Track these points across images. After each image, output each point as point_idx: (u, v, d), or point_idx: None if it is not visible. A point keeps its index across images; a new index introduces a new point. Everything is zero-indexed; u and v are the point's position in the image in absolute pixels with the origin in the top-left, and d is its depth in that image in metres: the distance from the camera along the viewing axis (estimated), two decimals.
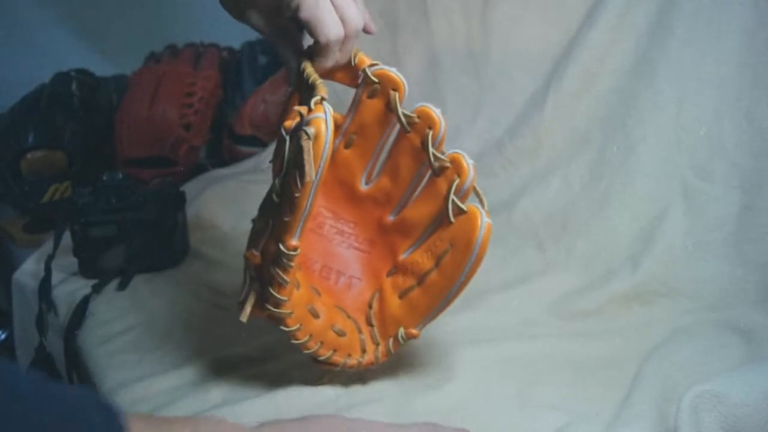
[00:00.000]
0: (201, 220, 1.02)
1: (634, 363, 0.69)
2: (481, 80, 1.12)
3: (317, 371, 0.67)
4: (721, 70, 0.90)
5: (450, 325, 0.76)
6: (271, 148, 1.00)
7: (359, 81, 0.65)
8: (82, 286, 0.90)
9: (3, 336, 1.19)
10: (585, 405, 0.64)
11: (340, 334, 0.65)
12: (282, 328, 0.63)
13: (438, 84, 1.15)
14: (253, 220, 0.64)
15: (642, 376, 0.67)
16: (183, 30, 1.41)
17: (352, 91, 0.66)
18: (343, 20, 0.61)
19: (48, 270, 0.91)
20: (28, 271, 0.98)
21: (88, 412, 0.46)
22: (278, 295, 0.60)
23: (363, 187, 0.68)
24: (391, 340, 0.65)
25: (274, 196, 0.60)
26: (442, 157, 0.62)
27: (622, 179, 0.92)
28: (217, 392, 0.68)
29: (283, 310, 0.61)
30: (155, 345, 0.78)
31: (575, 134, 1.01)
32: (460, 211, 0.61)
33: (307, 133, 0.55)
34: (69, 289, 0.91)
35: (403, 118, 0.63)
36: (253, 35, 1.10)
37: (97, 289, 0.89)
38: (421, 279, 0.64)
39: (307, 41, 0.65)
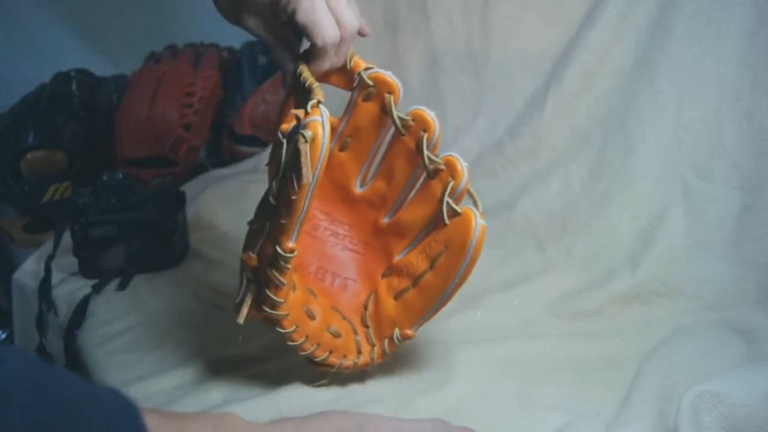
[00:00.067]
0: (201, 220, 1.02)
1: (634, 363, 0.69)
2: (481, 80, 1.12)
3: (317, 373, 0.67)
4: (721, 70, 0.90)
5: (450, 325, 0.76)
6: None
7: (354, 84, 0.65)
8: (82, 286, 0.90)
9: (3, 336, 1.19)
10: (585, 405, 0.64)
11: (336, 335, 0.65)
12: (278, 329, 0.63)
13: (438, 84, 1.15)
14: (250, 223, 0.65)
15: (642, 376, 0.67)
16: (183, 30, 1.41)
17: (347, 93, 0.67)
18: (339, 23, 0.62)
19: (48, 270, 0.91)
20: (28, 271, 0.98)
21: (108, 405, 0.46)
22: (275, 297, 0.61)
23: (358, 190, 0.69)
24: (386, 341, 0.66)
25: (271, 199, 0.60)
26: (437, 159, 0.63)
27: (622, 179, 0.92)
28: (217, 392, 0.68)
29: (280, 312, 0.62)
30: (155, 345, 0.78)
31: (575, 134, 1.01)
32: (454, 213, 0.62)
33: (304, 136, 0.55)
34: (69, 289, 0.91)
35: (398, 121, 0.64)
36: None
37: (97, 289, 0.89)
38: (416, 280, 0.64)
39: (304, 45, 0.65)
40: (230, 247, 0.95)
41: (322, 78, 0.64)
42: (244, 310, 0.63)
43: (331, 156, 0.67)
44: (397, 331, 0.65)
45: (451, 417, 0.61)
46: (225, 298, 0.83)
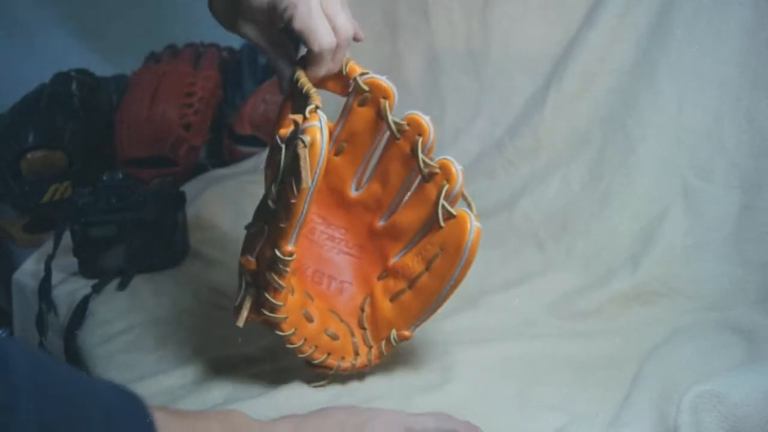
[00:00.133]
0: (201, 220, 1.02)
1: (634, 363, 0.69)
2: (481, 80, 1.12)
3: (316, 375, 0.68)
4: (721, 70, 0.90)
5: (450, 325, 0.76)
6: None
7: (350, 90, 0.66)
8: (82, 286, 0.90)
9: (3, 336, 1.19)
10: (585, 405, 0.64)
11: (334, 337, 0.66)
12: (277, 332, 0.64)
13: (438, 84, 1.15)
14: (247, 227, 0.65)
15: (642, 376, 0.67)
16: (183, 30, 1.40)
17: (342, 99, 0.67)
18: (334, 30, 0.62)
19: (48, 270, 0.91)
20: (28, 271, 0.98)
21: (108, 401, 0.46)
22: (274, 300, 0.62)
23: (353, 193, 0.70)
24: (383, 342, 0.67)
25: (270, 203, 0.60)
26: (432, 163, 0.64)
27: (622, 179, 0.93)
28: (218, 392, 0.68)
29: (279, 315, 0.63)
30: (155, 345, 0.78)
31: (575, 134, 1.01)
32: (449, 216, 0.63)
33: (303, 142, 0.56)
34: (69, 289, 0.91)
35: (393, 126, 0.65)
36: None
37: (97, 289, 0.89)
38: (412, 282, 0.65)
39: (300, 51, 0.66)
40: (230, 247, 0.95)
41: (319, 83, 0.65)
42: (244, 313, 0.64)
43: (326, 160, 0.67)
44: (394, 333, 0.66)
45: None
46: (225, 298, 0.83)
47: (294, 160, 0.56)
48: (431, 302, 0.65)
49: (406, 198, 0.67)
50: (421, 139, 0.64)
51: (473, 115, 1.12)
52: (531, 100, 1.07)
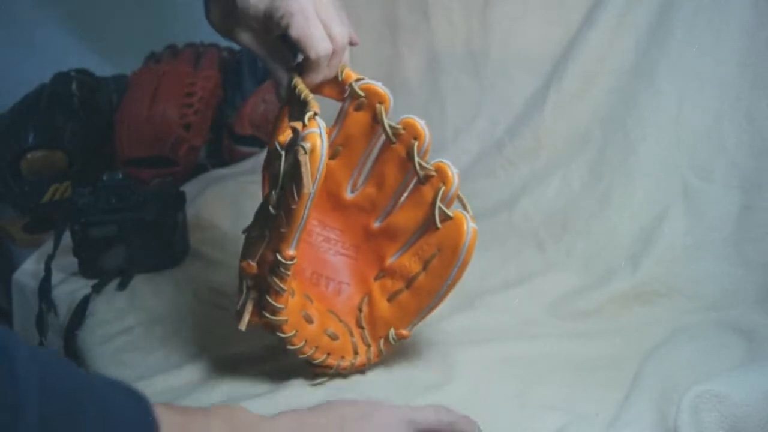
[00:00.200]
0: (201, 220, 1.02)
1: (634, 363, 0.69)
2: (481, 80, 1.12)
3: (316, 374, 0.68)
4: (721, 70, 0.90)
5: (450, 325, 0.76)
6: None
7: (345, 95, 0.67)
8: (82, 286, 0.90)
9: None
10: (585, 405, 0.64)
11: (333, 337, 0.67)
12: (278, 334, 0.65)
13: (438, 84, 1.15)
14: (245, 231, 0.66)
15: (642, 376, 0.67)
16: (183, 30, 1.40)
17: (337, 103, 0.68)
18: (330, 36, 0.63)
19: (48, 270, 0.91)
20: (28, 271, 0.98)
21: (119, 396, 0.47)
22: (275, 303, 0.63)
23: (348, 195, 0.71)
24: (382, 341, 0.68)
25: (271, 208, 0.61)
26: (428, 166, 0.65)
27: (622, 179, 0.93)
28: (218, 391, 0.68)
29: (280, 318, 0.63)
30: (155, 345, 0.78)
31: (575, 134, 1.01)
32: (446, 218, 0.64)
33: (303, 148, 0.57)
34: (69, 289, 0.91)
35: (389, 130, 0.66)
36: None
37: (97, 289, 0.89)
38: (409, 282, 0.67)
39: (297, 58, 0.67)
40: (230, 247, 0.95)
41: (315, 89, 0.66)
42: (246, 316, 0.65)
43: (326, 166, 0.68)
44: (392, 332, 0.67)
45: None
46: (225, 298, 0.83)
47: (295, 166, 0.57)
48: (429, 301, 0.66)
49: (402, 200, 0.68)
50: (417, 143, 0.65)
51: (473, 115, 1.12)
52: (531, 100, 1.07)
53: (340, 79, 0.66)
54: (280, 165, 0.59)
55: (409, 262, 0.67)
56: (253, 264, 0.63)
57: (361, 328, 0.69)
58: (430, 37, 1.16)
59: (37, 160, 1.21)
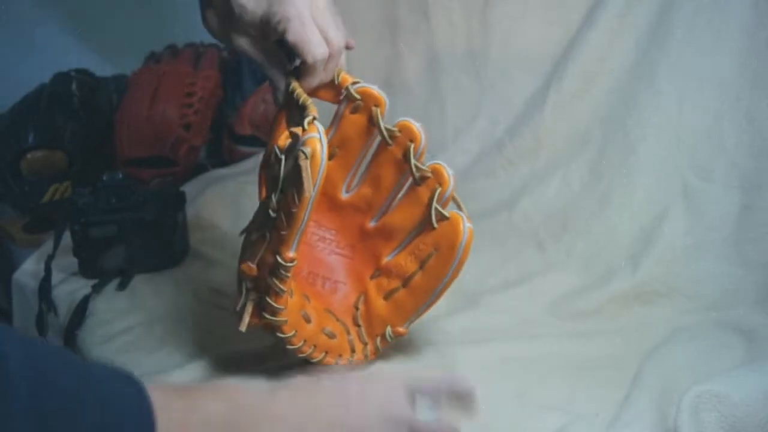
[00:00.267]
0: (201, 220, 1.02)
1: (634, 363, 0.69)
2: (481, 80, 1.12)
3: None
4: (721, 70, 0.90)
5: (450, 325, 0.76)
6: None
7: (342, 98, 0.68)
8: (82, 286, 0.90)
9: None
10: (585, 405, 0.64)
11: (331, 336, 0.68)
12: (278, 335, 0.65)
13: (438, 84, 1.15)
14: (243, 233, 0.67)
15: (642, 376, 0.67)
16: (183, 30, 1.40)
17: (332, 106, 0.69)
18: (326, 40, 0.64)
19: (48, 270, 0.91)
20: (28, 271, 0.98)
21: (116, 383, 0.47)
22: (275, 304, 0.63)
23: (343, 196, 0.71)
24: (378, 339, 0.69)
25: (271, 212, 0.61)
26: (424, 167, 0.66)
27: (622, 179, 0.93)
28: None
29: (280, 318, 0.64)
30: (155, 345, 0.78)
31: (575, 134, 1.01)
32: (442, 218, 0.65)
33: (304, 153, 0.57)
34: (69, 289, 0.91)
35: (385, 132, 0.67)
36: None
37: (97, 289, 0.89)
38: (406, 281, 0.68)
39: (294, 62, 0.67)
40: (230, 247, 0.95)
41: (312, 93, 0.66)
42: (246, 317, 0.65)
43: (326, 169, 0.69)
44: (389, 329, 0.68)
45: (451, 416, 0.61)
46: (225, 298, 0.83)
47: (295, 170, 0.58)
48: (425, 300, 0.67)
49: (398, 200, 0.69)
50: (413, 145, 0.66)
51: (473, 115, 1.12)
52: (531, 100, 1.07)
53: (336, 82, 0.67)
54: (280, 169, 0.60)
55: (405, 261, 0.68)
56: (253, 266, 0.63)
57: (358, 326, 0.70)
58: (430, 37, 1.16)
59: (37, 160, 1.21)
